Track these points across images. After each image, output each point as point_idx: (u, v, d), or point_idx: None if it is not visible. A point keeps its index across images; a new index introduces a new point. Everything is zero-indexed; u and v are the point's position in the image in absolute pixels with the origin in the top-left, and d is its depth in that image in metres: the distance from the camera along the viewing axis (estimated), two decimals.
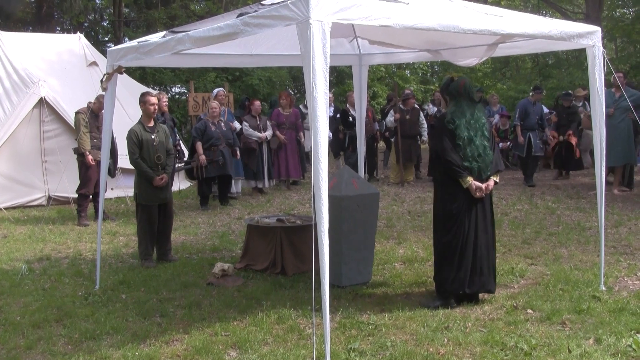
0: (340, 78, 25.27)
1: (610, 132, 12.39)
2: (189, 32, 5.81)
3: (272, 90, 22.04)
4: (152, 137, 8.20)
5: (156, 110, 8.42)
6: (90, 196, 11.04)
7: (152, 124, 8.27)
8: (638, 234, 9.26)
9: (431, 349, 5.16)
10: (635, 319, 5.73)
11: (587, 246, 8.56)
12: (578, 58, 21.80)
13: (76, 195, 11.33)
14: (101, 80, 7.12)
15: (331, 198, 6.80)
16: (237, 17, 5.22)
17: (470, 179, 6.11)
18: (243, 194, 13.75)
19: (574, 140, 15.12)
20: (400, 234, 9.60)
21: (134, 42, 6.86)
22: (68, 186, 11.81)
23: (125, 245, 9.36)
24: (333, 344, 5.27)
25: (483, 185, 6.15)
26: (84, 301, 6.68)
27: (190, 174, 12.27)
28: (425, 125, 15.49)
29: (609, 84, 13.14)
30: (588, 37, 6.42)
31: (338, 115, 16.28)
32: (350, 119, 14.98)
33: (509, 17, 6.08)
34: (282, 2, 4.75)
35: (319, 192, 4.45)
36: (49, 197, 12.73)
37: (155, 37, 6.66)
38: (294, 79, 24.09)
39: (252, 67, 19.39)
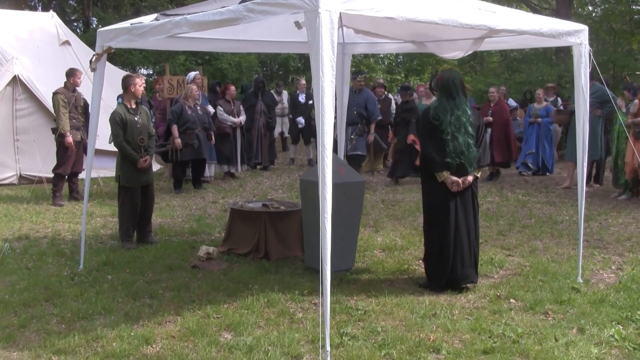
0: (307, 65, 25.21)
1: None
2: (187, 16, 5.80)
3: (241, 75, 21.98)
4: (136, 119, 8.17)
5: (143, 92, 8.42)
6: (66, 176, 10.95)
7: (134, 105, 8.25)
8: (609, 228, 9.53)
9: (422, 335, 5.28)
10: (615, 310, 5.92)
11: (561, 239, 8.78)
12: (545, 54, 22.21)
13: (48, 175, 11.23)
14: (90, 61, 7.07)
15: (318, 185, 6.90)
16: (240, 2, 5.24)
17: (445, 174, 6.27)
18: (215, 179, 13.76)
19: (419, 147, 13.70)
20: (377, 222, 9.73)
21: (127, 24, 6.83)
22: (41, 165, 11.69)
23: (103, 226, 9.33)
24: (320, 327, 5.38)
25: (460, 180, 6.30)
26: (70, 281, 6.68)
27: (164, 157, 12.22)
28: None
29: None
30: (576, 35, 6.58)
31: (310, 102, 16.32)
32: None
33: (501, 13, 6.21)
34: None
35: (324, 179, 4.53)
36: (20, 176, 12.61)
37: (147, 20, 6.65)
38: (262, 64, 24.04)
39: (241, 52, 19.33)
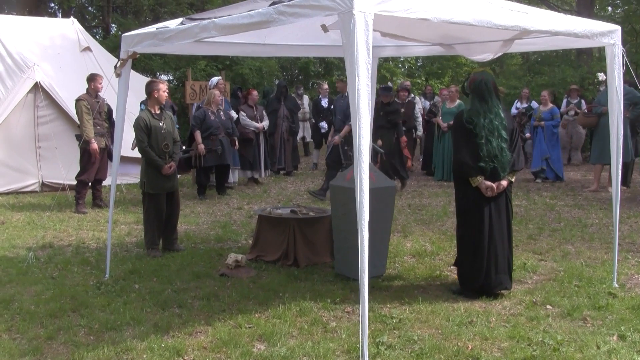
0: (328, 69, 25.15)
1: (607, 130, 12.49)
2: (215, 20, 5.70)
3: (261, 80, 21.89)
4: (160, 124, 8.10)
5: (167, 97, 8.35)
6: (90, 183, 10.91)
7: (159, 111, 8.17)
8: (639, 231, 9.35)
9: (460, 344, 5.14)
10: None
11: (592, 243, 8.61)
12: (566, 55, 21.96)
13: (70, 182, 11.20)
14: (115, 67, 7.01)
15: (349, 191, 6.78)
16: (270, 5, 5.13)
17: (479, 179, 6.14)
18: (238, 184, 13.67)
19: (406, 150, 13.08)
20: (405, 228, 9.59)
21: (152, 28, 6.75)
22: (64, 173, 11.66)
23: (128, 234, 9.24)
24: (359, 337, 5.23)
25: (494, 185, 6.16)
26: (97, 291, 6.57)
27: (188, 163, 12.10)
28: (420, 119, 15.46)
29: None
30: (609, 35, 6.44)
31: (332, 107, 16.22)
32: None
33: (534, 14, 6.07)
34: None
35: (360, 185, 4.41)
36: (42, 184, 12.59)
37: (172, 24, 6.57)
38: (282, 68, 23.96)
39: (267, 57, 19.26)
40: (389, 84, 15.92)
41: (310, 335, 5.35)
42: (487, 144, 6.07)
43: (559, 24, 6.07)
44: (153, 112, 8.10)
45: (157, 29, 6.60)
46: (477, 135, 6.08)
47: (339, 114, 12.19)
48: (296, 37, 7.92)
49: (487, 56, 7.80)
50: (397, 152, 12.86)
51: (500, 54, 7.73)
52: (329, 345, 5.12)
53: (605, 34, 6.41)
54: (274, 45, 8.08)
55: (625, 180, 13.13)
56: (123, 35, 7.04)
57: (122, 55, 6.93)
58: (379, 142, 12.68)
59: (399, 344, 5.16)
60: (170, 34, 6.26)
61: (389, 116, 12.72)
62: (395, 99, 13.75)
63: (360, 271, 4.42)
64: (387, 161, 12.59)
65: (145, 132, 7.95)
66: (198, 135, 11.67)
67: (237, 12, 5.78)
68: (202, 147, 11.61)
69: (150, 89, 8.13)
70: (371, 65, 4.48)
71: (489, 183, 6.13)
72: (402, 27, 7.48)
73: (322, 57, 21.61)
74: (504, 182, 6.20)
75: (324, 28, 7.31)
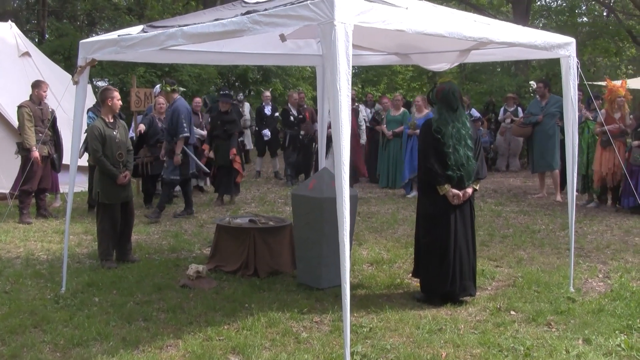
0: (266, 77, 25.03)
1: (543, 139, 12.83)
2: (184, 28, 5.61)
3: (201, 87, 21.64)
4: (114, 133, 7.93)
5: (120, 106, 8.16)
6: (33, 193, 10.57)
7: (112, 119, 8.00)
8: (586, 236, 9.63)
9: (433, 352, 5.19)
10: (615, 320, 5.95)
11: (543, 249, 8.82)
12: (503, 64, 22.47)
13: (9, 191, 10.85)
14: (72, 74, 6.83)
15: (312, 200, 6.79)
16: (244, 14, 5.08)
17: (447, 187, 6.24)
18: None
19: (237, 164, 12.23)
20: (358, 236, 9.60)
21: (114, 35, 6.60)
22: (4, 182, 11.30)
23: (78, 244, 8.98)
24: (332, 347, 5.26)
25: (460, 193, 6.26)
26: (56, 305, 6.37)
27: (134, 171, 11.86)
28: (364, 127, 15.56)
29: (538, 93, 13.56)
30: (565, 47, 6.62)
31: (277, 114, 16.21)
32: (292, 118, 14.93)
33: (496, 25, 6.19)
34: (300, 1, 4.65)
35: (341, 195, 4.39)
36: None
37: (133, 32, 6.44)
38: (220, 75, 23.73)
39: (225, 64, 19.06)
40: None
41: (283, 347, 5.31)
42: (454, 152, 6.18)
43: (521, 36, 6.24)
44: (107, 120, 7.91)
45: (118, 35, 6.46)
46: (444, 144, 6.17)
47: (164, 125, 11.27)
48: (254, 45, 7.90)
49: (443, 66, 7.93)
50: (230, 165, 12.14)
51: (456, 63, 7.87)
52: (304, 356, 5.09)
53: (562, 46, 6.59)
54: (232, 53, 8.02)
55: (563, 187, 13.45)
56: (81, 42, 6.85)
57: (80, 62, 6.76)
58: (211, 153, 12.41)
59: (373, 353, 5.17)
60: (134, 41, 6.12)
61: (225, 126, 12.12)
62: (232, 109, 12.80)
63: (342, 282, 4.39)
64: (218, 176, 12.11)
65: (99, 141, 7.76)
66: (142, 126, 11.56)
67: (201, 20, 5.72)
68: (142, 126, 11.61)
69: (103, 96, 7.95)
70: (350, 75, 4.50)
71: (455, 191, 6.23)
72: (361, 36, 7.49)
73: (266, 65, 21.38)
74: (469, 190, 6.33)
75: (282, 37, 7.32)
